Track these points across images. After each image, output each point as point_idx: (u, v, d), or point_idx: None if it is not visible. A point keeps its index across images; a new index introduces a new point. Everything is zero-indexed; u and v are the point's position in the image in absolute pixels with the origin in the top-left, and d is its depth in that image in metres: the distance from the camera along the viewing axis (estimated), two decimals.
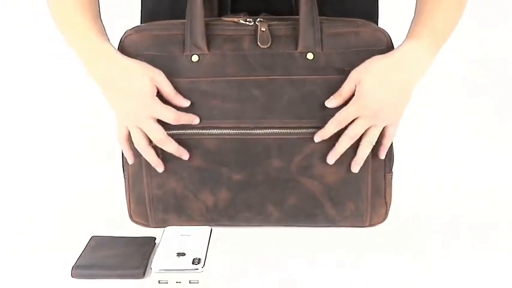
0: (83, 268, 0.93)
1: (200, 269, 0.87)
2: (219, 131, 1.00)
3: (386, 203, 1.06)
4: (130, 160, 1.04)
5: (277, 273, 0.94)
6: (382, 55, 0.99)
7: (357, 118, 0.98)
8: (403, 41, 1.00)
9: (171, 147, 1.00)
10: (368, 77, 0.97)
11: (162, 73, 0.98)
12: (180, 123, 0.99)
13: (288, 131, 1.00)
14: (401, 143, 1.08)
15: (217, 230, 0.95)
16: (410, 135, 1.06)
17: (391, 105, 0.98)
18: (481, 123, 1.38)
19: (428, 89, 1.49)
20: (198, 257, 0.89)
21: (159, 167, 1.02)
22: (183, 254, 0.90)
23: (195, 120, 0.99)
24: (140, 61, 0.99)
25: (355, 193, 1.04)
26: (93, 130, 1.49)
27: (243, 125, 1.00)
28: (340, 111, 0.98)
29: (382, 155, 1.02)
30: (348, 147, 0.99)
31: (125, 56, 1.00)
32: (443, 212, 1.11)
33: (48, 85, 1.60)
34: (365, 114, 0.98)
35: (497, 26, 1.66)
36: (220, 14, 1.05)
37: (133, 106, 0.99)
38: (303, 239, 1.03)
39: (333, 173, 1.02)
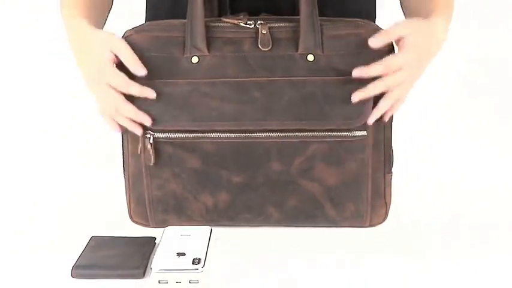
0: (83, 268, 0.93)
1: (200, 269, 0.87)
2: (218, 135, 1.00)
3: (386, 203, 1.06)
4: (116, 130, 1.03)
5: (277, 273, 0.94)
6: (417, 19, 1.02)
7: (399, 70, 0.98)
8: (429, 16, 1.02)
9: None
10: (415, 32, 0.98)
11: (123, 42, 0.99)
12: (131, 93, 0.98)
13: (288, 134, 1.00)
14: (400, 143, 1.08)
15: (217, 230, 0.95)
16: (409, 135, 1.06)
17: (422, 67, 1.00)
18: (481, 123, 1.38)
19: (428, 88, 1.49)
20: (198, 257, 0.89)
21: (138, 129, 1.01)
22: (183, 254, 0.90)
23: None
24: (109, 32, 1.01)
25: (355, 194, 1.03)
26: (94, 130, 1.49)
27: (242, 128, 0.99)
28: (389, 57, 0.98)
29: (386, 118, 1.01)
30: (378, 93, 0.98)
31: (95, 28, 1.02)
32: (443, 212, 1.11)
33: (48, 85, 1.61)
34: (409, 65, 0.98)
35: (497, 26, 1.66)
36: (220, 13, 1.05)
37: (93, 72, 1.01)
38: (303, 239, 1.03)
39: (332, 175, 1.02)
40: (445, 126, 1.37)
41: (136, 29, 1.02)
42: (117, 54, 0.99)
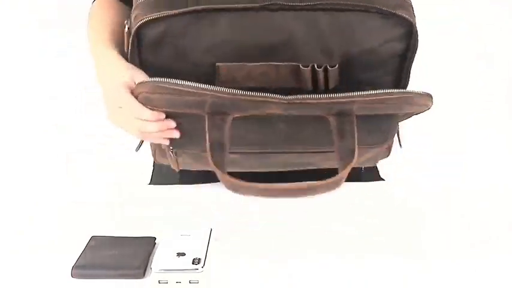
0: (83, 268, 0.93)
1: (200, 269, 0.87)
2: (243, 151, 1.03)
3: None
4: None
5: (277, 273, 0.94)
6: None
7: None
8: None
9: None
10: None
11: (143, 74, 0.96)
12: (142, 118, 0.96)
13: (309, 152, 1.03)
14: (401, 143, 1.09)
15: (218, 230, 0.95)
16: (409, 135, 1.06)
17: None
18: (481, 123, 1.38)
19: (428, 89, 1.49)
20: (198, 257, 0.89)
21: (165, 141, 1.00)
22: (183, 254, 0.90)
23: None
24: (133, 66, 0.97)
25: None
26: (94, 130, 1.49)
27: (266, 151, 1.02)
28: None
29: None
30: None
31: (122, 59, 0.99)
32: (444, 212, 1.11)
33: (48, 85, 1.61)
34: None
35: (497, 25, 1.67)
36: None
37: (111, 101, 0.98)
38: (303, 239, 1.03)
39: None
40: (445, 126, 1.38)
41: (148, 87, 0.95)
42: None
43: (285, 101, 0.91)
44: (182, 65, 0.94)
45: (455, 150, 1.28)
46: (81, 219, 1.11)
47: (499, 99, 1.46)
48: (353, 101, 0.92)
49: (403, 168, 1.12)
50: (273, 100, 0.91)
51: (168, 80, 0.90)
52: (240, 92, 0.90)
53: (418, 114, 1.02)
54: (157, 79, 0.91)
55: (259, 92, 0.91)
